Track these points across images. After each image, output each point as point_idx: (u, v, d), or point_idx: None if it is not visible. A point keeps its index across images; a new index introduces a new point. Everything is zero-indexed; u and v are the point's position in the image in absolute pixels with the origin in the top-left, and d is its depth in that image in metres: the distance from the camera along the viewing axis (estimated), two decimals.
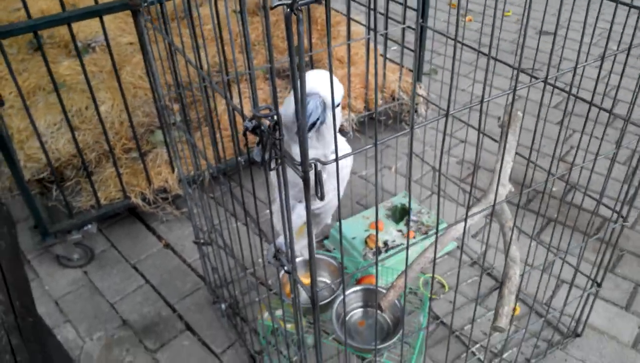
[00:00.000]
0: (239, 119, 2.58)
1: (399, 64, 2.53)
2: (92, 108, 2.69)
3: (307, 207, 0.83)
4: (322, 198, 0.84)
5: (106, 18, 2.92)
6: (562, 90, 1.49)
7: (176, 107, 2.71)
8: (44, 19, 1.72)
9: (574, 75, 1.14)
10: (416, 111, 2.79)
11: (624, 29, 1.31)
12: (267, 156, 0.88)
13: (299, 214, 1.38)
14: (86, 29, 3.38)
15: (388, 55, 2.84)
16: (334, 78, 1.08)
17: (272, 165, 0.89)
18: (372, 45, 2.65)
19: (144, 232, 2.36)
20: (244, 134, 0.92)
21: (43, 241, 2.08)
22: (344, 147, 1.41)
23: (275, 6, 0.65)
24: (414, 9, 2.02)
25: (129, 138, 2.52)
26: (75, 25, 3.35)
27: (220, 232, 1.58)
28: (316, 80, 1.18)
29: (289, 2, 0.64)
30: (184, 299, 2.03)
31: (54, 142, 2.47)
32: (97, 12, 1.76)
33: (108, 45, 1.94)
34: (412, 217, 2.13)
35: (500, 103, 2.95)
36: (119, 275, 2.14)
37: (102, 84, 2.84)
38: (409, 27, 2.23)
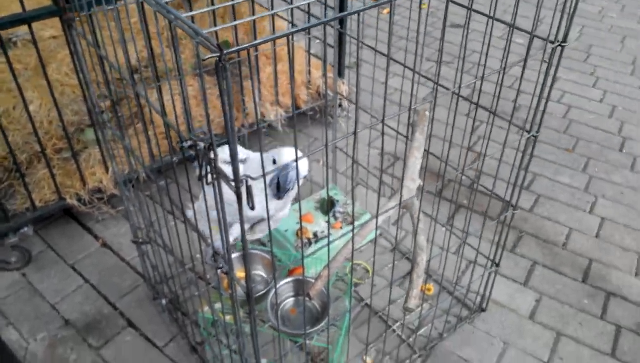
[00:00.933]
0: (170, 114, 2.65)
1: (322, 59, 2.68)
2: (19, 108, 2.67)
3: (241, 221, 0.97)
4: (252, 207, 0.98)
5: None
6: (467, 99, 1.69)
7: (107, 103, 2.74)
8: None
9: (481, 85, 1.33)
10: (340, 105, 2.96)
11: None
12: (203, 172, 1.01)
13: (234, 235, 1.54)
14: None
15: (312, 51, 2.98)
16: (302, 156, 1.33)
17: (209, 179, 1.02)
18: (295, 42, 2.78)
19: (80, 231, 2.41)
20: (181, 149, 1.04)
21: None
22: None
23: (206, 59, 0.77)
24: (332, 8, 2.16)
25: (59, 137, 2.54)
26: None
27: (158, 231, 1.68)
28: (292, 157, 1.52)
29: (217, 55, 0.77)
30: (124, 297, 2.12)
31: None
32: (25, 20, 1.79)
33: (35, 44, 1.96)
34: (339, 209, 2.30)
35: (413, 94, 3.17)
36: (58, 276, 2.19)
37: (28, 83, 2.81)
38: (330, 25, 2.37)
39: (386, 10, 4.38)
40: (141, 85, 2.04)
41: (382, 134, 1.26)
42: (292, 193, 1.62)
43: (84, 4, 1.34)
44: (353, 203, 1.51)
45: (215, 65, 0.79)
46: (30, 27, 1.85)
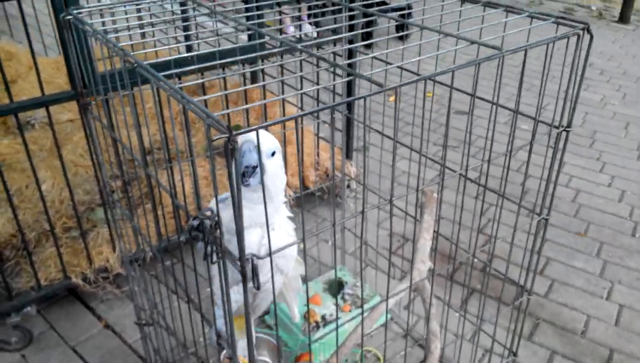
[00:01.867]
0: (179, 195, 2.67)
1: (330, 142, 2.74)
2: (32, 187, 2.72)
3: (246, 305, 0.95)
4: (258, 287, 0.96)
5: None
6: (475, 182, 1.69)
7: (118, 183, 2.78)
8: None
9: (487, 168, 1.34)
10: (349, 186, 2.98)
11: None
12: (208, 250, 1.00)
13: (235, 299, 1.49)
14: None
15: (321, 135, 3.04)
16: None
17: (214, 258, 1.00)
18: (305, 126, 2.85)
19: (83, 312, 2.37)
20: (189, 231, 1.03)
21: None
22: (288, 228, 1.53)
23: (215, 139, 0.79)
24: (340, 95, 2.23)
25: (69, 216, 2.55)
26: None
27: (162, 313, 1.64)
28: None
29: (226, 136, 0.78)
30: None
31: None
32: (43, 103, 1.85)
33: (51, 126, 2.01)
34: (348, 290, 2.25)
35: (421, 177, 3.19)
36: (59, 358, 2.13)
37: (43, 163, 2.87)
38: (337, 109, 2.43)
39: (392, 98, 4.51)
40: (152, 167, 2.08)
41: (391, 214, 1.25)
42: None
43: (101, 89, 1.38)
44: (362, 286, 1.48)
45: (225, 146, 0.80)
46: (47, 110, 1.92)
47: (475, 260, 2.61)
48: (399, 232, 2.82)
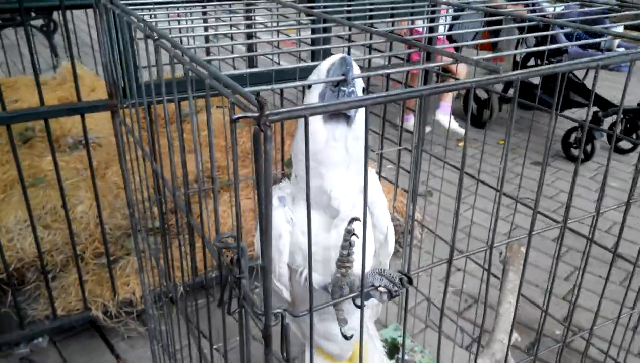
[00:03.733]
0: (221, 226, 2.42)
1: (394, 183, 2.43)
2: (68, 205, 2.55)
3: None
4: (287, 360, 0.65)
5: (100, 116, 2.83)
6: (582, 235, 1.34)
7: (156, 211, 2.57)
8: (20, 112, 1.62)
9: (596, 221, 1.00)
10: (410, 233, 2.64)
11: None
12: (226, 296, 0.70)
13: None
14: (79, 125, 3.32)
15: (383, 174, 2.74)
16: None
17: (233, 306, 0.71)
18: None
19: (102, 348, 2.11)
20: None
21: None
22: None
23: (237, 119, 0.51)
24: (410, 132, 1.94)
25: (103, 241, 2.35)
26: (69, 121, 3.28)
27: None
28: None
29: (256, 115, 0.50)
30: None
31: (20, 240, 2.29)
32: (77, 110, 1.66)
33: (86, 143, 1.83)
34: (405, 357, 1.89)
35: (499, 231, 2.81)
36: None
37: (84, 183, 2.71)
38: (405, 148, 2.14)
39: (462, 143, 4.19)
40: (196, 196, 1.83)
41: (464, 270, 0.92)
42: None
43: (144, 100, 1.13)
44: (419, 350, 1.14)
45: (255, 135, 0.52)
46: (83, 118, 1.72)
47: (558, 332, 2.19)
48: (469, 292, 2.44)
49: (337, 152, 0.97)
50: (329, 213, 1.04)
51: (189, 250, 0.97)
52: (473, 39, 3.92)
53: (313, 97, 0.96)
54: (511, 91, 4.22)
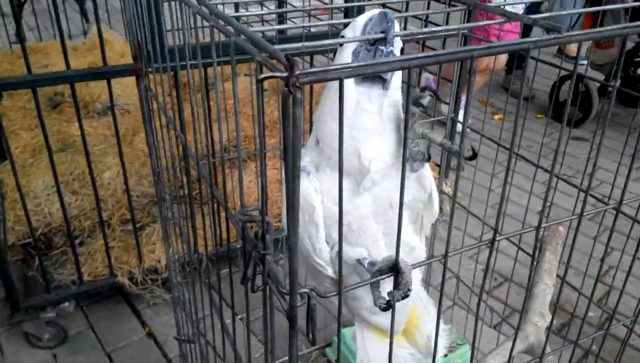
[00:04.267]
0: (246, 196, 2.39)
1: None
2: (96, 172, 2.54)
3: None
4: (313, 342, 0.61)
5: (129, 82, 2.80)
6: (632, 218, 1.26)
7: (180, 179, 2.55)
8: (45, 75, 1.59)
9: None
10: (440, 209, 2.57)
11: None
12: (249, 272, 0.66)
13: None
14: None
15: None
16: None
17: (257, 284, 0.67)
18: None
19: (127, 314, 2.12)
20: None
21: (12, 316, 1.85)
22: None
23: (263, 79, 0.45)
24: (446, 103, 1.85)
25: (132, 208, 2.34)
26: (98, 87, 3.27)
27: (203, 332, 1.33)
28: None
29: (284, 75, 0.45)
30: None
31: (48, 205, 2.30)
32: (102, 74, 1.62)
33: (112, 109, 1.80)
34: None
35: (533, 209, 2.71)
36: None
37: (112, 149, 2.70)
38: (438, 120, 2.06)
39: (498, 116, 4.06)
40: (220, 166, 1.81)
41: (491, 247, 0.86)
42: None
43: (167, 65, 1.07)
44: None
45: (284, 98, 0.46)
46: (109, 82, 1.69)
47: (591, 314, 2.11)
48: (498, 269, 2.37)
49: (371, 117, 0.90)
50: (360, 179, 0.95)
51: (213, 221, 0.93)
52: (575, 22, 3.62)
53: (346, 56, 0.88)
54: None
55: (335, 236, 0.98)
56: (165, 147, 1.32)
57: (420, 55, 0.51)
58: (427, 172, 1.03)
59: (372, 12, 0.84)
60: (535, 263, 1.44)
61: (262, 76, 0.45)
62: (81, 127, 1.77)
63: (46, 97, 3.33)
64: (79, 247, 2.16)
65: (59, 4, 4.91)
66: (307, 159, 1.00)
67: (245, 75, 3.44)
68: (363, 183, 0.94)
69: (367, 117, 0.89)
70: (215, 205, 0.90)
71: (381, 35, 0.78)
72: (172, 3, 0.83)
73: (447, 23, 1.83)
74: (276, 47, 0.51)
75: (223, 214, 1.51)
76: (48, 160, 2.59)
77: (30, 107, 3.18)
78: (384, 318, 1.15)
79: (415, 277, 1.10)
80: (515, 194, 2.69)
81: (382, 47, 0.83)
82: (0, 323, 1.97)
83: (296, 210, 0.50)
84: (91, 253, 2.10)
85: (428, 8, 1.76)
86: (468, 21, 1.54)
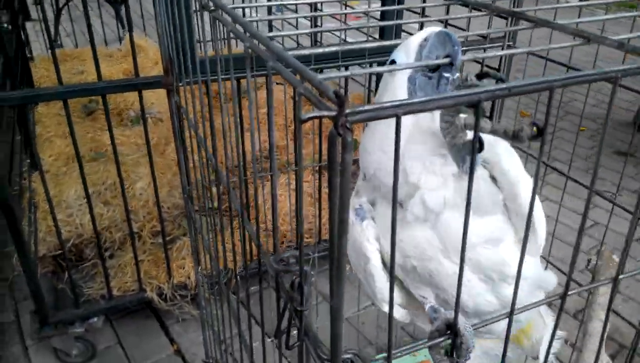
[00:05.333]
0: (280, 210, 2.32)
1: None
2: (128, 182, 2.52)
3: None
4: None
5: (162, 90, 2.78)
6: None
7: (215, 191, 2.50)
8: (75, 86, 1.55)
9: None
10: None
11: None
12: (283, 326, 0.59)
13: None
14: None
15: None
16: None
17: (291, 340, 0.59)
18: None
19: (156, 330, 2.07)
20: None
21: (40, 331, 1.82)
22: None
23: (307, 119, 0.38)
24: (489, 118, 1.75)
25: (163, 219, 2.30)
26: (132, 94, 3.27)
27: (232, 355, 1.26)
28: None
29: (333, 114, 0.37)
30: None
31: (80, 215, 2.28)
32: (133, 86, 1.58)
33: (143, 120, 1.76)
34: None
35: (574, 226, 2.57)
36: None
37: (144, 159, 2.67)
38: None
39: (524, 113, 3.89)
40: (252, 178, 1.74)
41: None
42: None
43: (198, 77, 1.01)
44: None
45: (330, 139, 0.38)
46: (140, 93, 1.64)
47: None
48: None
49: (428, 146, 0.78)
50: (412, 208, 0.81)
51: (243, 241, 0.86)
52: None
53: (398, 83, 0.77)
54: None
55: (401, 273, 0.88)
56: (196, 164, 1.26)
57: (496, 87, 0.42)
58: (524, 190, 0.80)
59: (426, 32, 0.74)
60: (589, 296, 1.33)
61: (306, 116, 0.38)
62: (112, 137, 1.73)
63: (81, 103, 3.34)
64: (110, 259, 2.13)
65: (95, 9, 4.98)
66: (363, 199, 0.88)
67: (277, 83, 3.38)
68: (410, 206, 0.79)
69: (421, 147, 0.79)
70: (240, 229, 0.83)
71: (446, 61, 0.67)
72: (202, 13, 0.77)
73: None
74: (320, 76, 0.43)
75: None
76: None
77: (64, 114, 3.19)
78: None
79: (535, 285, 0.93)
80: (550, 209, 2.56)
81: (447, 74, 0.72)
82: (30, 337, 1.95)
83: (342, 270, 0.42)
84: (121, 267, 2.06)
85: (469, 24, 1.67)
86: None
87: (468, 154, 0.71)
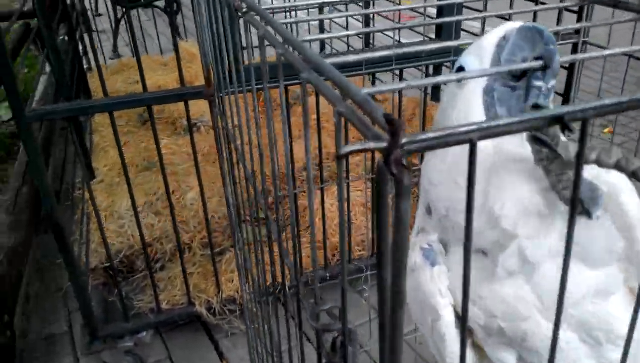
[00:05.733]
0: (329, 223, 2.22)
1: None
2: (179, 192, 2.50)
3: None
4: None
5: None
6: None
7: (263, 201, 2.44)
8: (122, 98, 1.52)
9: None
10: None
11: None
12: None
13: None
14: (194, 107, 3.28)
15: None
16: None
17: None
18: None
19: (205, 344, 2.02)
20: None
21: (90, 344, 1.80)
22: None
23: (349, 153, 0.28)
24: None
25: (212, 230, 2.25)
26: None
27: None
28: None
29: (384, 145, 0.27)
30: None
31: (131, 226, 2.26)
32: (177, 96, 1.52)
33: (190, 130, 1.71)
34: None
35: None
36: None
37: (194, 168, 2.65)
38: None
39: (608, 130, 3.64)
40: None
41: None
42: None
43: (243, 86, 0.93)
44: None
45: (380, 175, 0.28)
46: (186, 104, 1.59)
47: None
48: None
49: (521, 178, 0.62)
50: (496, 251, 0.66)
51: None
52: None
53: (470, 96, 0.62)
54: None
55: (485, 339, 0.72)
56: (242, 174, 1.18)
57: (606, 101, 0.31)
58: (620, 192, 0.66)
59: (505, 29, 0.59)
60: None
61: (346, 150, 0.28)
62: (158, 148, 1.69)
63: (136, 113, 3.37)
64: (160, 271, 2.10)
65: (151, 18, 5.05)
66: (432, 237, 0.73)
67: None
68: (503, 259, 0.64)
69: (511, 167, 0.63)
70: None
71: (538, 64, 0.53)
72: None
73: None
74: (366, 90, 0.33)
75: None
76: (134, 179, 2.59)
77: (120, 123, 3.22)
78: None
79: None
80: None
81: (539, 83, 0.56)
82: (80, 352, 1.94)
83: (398, 353, 0.31)
84: (171, 279, 2.03)
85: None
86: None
87: (587, 198, 0.56)
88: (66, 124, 2.93)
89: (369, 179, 2.22)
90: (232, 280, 1.97)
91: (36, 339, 2.07)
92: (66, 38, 3.18)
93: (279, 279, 0.83)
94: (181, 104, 3.36)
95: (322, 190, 1.83)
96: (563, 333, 0.64)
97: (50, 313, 2.21)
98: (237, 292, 1.92)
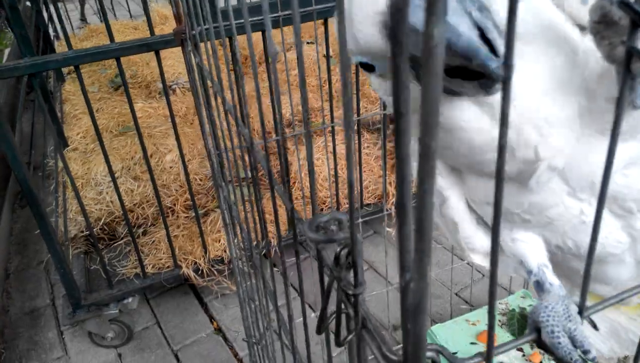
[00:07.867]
0: (319, 174, 2.17)
1: None
2: (157, 155, 2.41)
3: None
4: None
5: None
6: None
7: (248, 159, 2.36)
8: (87, 50, 1.41)
9: None
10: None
11: None
12: (328, 312, 0.43)
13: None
14: (170, 69, 3.17)
15: None
16: None
17: (342, 333, 0.43)
18: None
19: (195, 307, 1.97)
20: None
21: (73, 314, 1.73)
22: None
23: None
24: None
25: (195, 192, 2.18)
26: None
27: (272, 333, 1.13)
28: None
29: None
30: None
31: (110, 193, 2.18)
32: (148, 46, 1.43)
33: (164, 87, 1.61)
34: None
35: None
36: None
37: (172, 130, 2.55)
38: None
39: None
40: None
41: None
42: None
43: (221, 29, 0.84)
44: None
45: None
46: (157, 54, 1.49)
47: None
48: None
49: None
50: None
51: (275, 213, 0.71)
52: None
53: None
54: None
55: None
56: (224, 131, 1.11)
57: None
58: None
59: None
60: None
61: None
62: (132, 109, 1.60)
63: (107, 78, 3.24)
64: (143, 236, 2.03)
65: None
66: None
67: (308, 43, 3.19)
68: (531, 184, 0.62)
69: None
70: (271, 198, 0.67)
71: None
72: None
73: None
74: None
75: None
76: (109, 143, 2.49)
77: (93, 90, 3.10)
78: (606, 287, 0.80)
79: None
80: None
81: None
82: (62, 322, 1.87)
83: (427, 240, 0.25)
84: (155, 243, 1.96)
85: None
86: None
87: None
88: (33, 92, 2.80)
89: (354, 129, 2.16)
90: (219, 240, 1.90)
91: (19, 315, 2.00)
92: (28, 3, 3.02)
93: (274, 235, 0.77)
94: (155, 67, 3.23)
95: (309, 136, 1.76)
96: (592, 209, 0.60)
97: (32, 287, 2.14)
98: (225, 251, 1.86)
